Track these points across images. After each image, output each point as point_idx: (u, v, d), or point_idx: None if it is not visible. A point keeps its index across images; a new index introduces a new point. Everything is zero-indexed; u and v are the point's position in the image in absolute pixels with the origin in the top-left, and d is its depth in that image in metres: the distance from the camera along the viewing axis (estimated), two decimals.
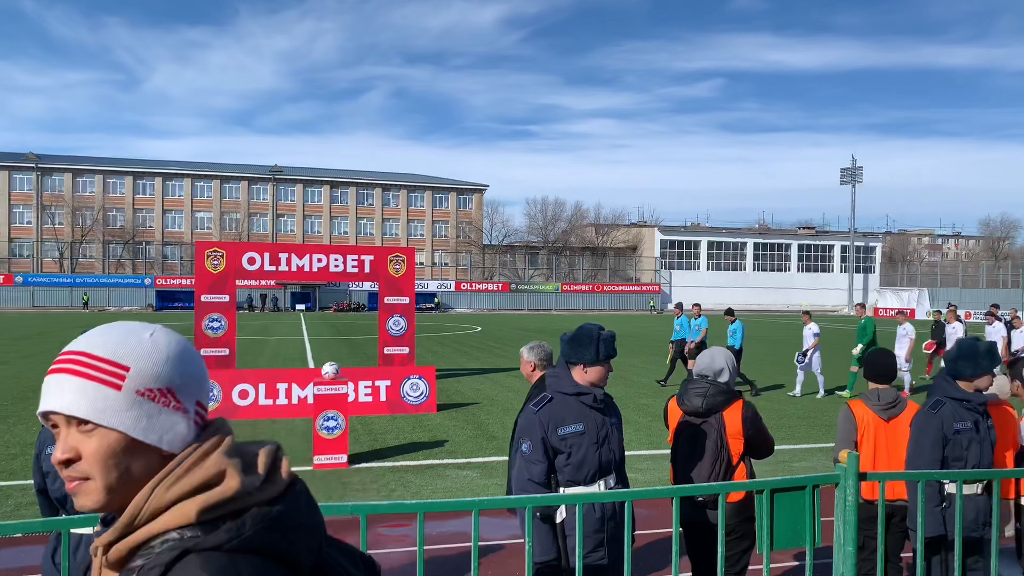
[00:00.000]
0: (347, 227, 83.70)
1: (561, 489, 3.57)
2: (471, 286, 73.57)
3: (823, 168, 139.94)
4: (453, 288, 72.59)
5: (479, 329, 40.10)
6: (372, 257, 17.15)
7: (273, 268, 16.31)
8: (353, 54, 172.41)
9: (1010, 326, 17.31)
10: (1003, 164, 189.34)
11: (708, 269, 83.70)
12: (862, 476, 3.29)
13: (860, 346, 15.82)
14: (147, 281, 66.50)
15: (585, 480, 3.58)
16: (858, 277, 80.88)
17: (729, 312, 17.15)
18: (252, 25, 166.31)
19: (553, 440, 3.57)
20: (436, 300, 68.50)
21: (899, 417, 4.40)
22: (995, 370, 4.22)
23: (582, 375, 3.64)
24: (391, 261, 17.06)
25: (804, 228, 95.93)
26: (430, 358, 22.73)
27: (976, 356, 4.09)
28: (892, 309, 70.75)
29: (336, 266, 16.80)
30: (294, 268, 16.47)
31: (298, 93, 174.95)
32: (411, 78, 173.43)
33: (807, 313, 17.15)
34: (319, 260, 16.59)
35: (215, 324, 15.39)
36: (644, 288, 78.07)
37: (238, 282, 17.97)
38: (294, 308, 66.64)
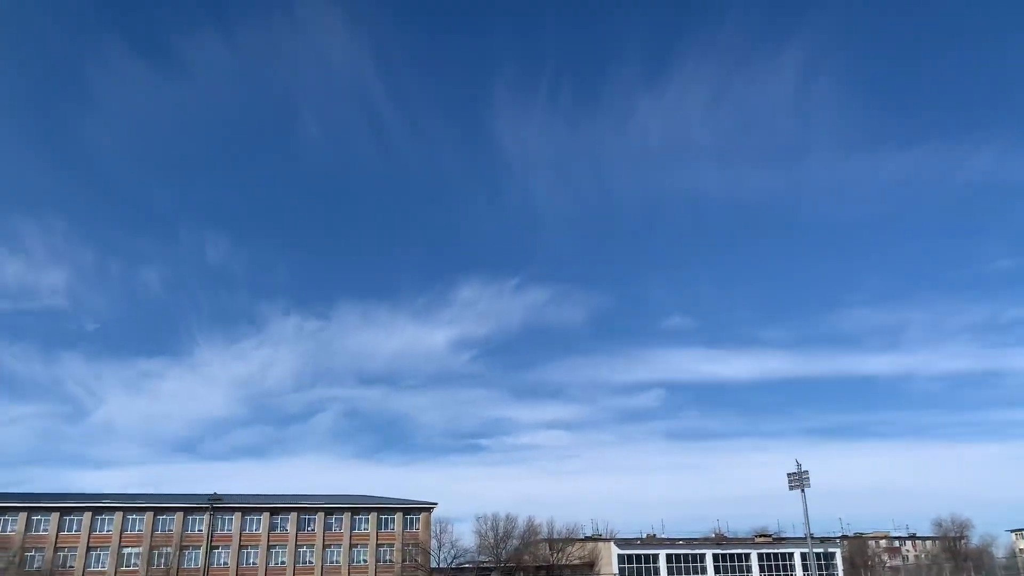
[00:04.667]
0: (285, 557, 78.77)
1: None
2: None
3: (770, 473, 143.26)
4: None
5: None
6: None
7: None
8: (307, 378, 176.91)
9: None
10: (937, 463, 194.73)
11: None
12: None
13: None
14: None
15: None
16: None
17: None
18: (208, 354, 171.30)
19: None
20: None
21: None
22: None
23: None
24: None
25: (760, 536, 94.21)
26: None
27: None
28: None
29: None
30: None
31: (248, 418, 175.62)
32: (363, 398, 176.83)
33: None
34: None
35: None
36: None
37: None
38: None
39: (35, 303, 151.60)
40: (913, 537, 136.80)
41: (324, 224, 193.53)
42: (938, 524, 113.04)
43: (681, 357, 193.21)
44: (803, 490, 77.53)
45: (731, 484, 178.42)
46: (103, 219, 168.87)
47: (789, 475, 79.34)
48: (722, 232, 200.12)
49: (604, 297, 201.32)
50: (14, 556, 69.54)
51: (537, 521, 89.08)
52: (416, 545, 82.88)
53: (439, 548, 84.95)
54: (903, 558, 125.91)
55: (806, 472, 77.97)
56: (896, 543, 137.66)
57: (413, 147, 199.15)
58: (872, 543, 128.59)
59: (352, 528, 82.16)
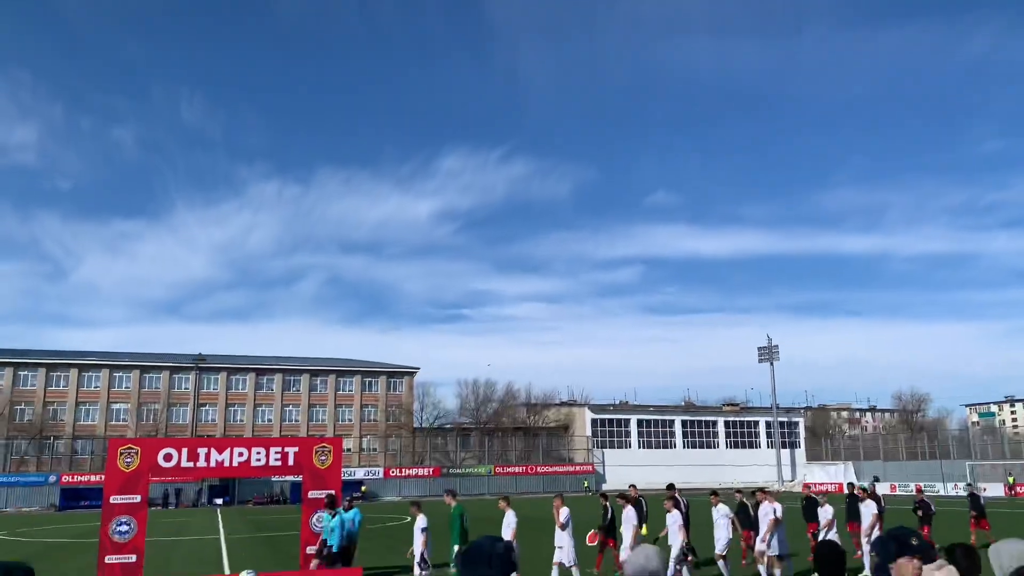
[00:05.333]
0: (272, 416, 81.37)
1: None
2: (400, 472, 71.38)
3: (742, 347, 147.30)
4: (382, 475, 70.21)
5: (408, 519, 38.50)
6: (296, 449, 16.77)
7: (191, 464, 15.71)
8: (289, 244, 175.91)
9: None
10: (904, 341, 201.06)
11: (639, 447, 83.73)
12: None
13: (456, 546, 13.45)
14: (52, 479, 62.21)
15: None
16: (784, 452, 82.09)
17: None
18: (188, 217, 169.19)
19: None
20: (363, 489, 65.84)
21: None
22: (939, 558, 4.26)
23: None
24: (316, 452, 16.70)
25: (729, 405, 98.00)
26: (356, 555, 21.62)
27: (884, 542, 4.25)
28: (815, 484, 71.40)
29: (258, 459, 16.26)
30: (213, 464, 15.91)
31: (230, 281, 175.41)
32: (346, 266, 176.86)
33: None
34: (240, 454, 16.08)
35: (123, 528, 14.51)
36: (578, 468, 77.14)
37: (153, 479, 17.10)
38: (211, 503, 62.90)
39: (5, 159, 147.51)
40: (873, 409, 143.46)
41: (303, 87, 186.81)
42: (897, 397, 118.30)
43: (663, 233, 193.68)
44: (772, 363, 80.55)
45: (703, 356, 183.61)
46: (71, 74, 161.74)
47: (759, 349, 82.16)
48: (711, 107, 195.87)
49: (589, 171, 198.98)
50: (2, 409, 71.23)
51: (516, 386, 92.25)
52: (399, 407, 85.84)
53: (422, 410, 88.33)
54: (862, 428, 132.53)
55: (776, 346, 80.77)
56: (857, 415, 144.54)
57: (396, 6, 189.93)
58: (834, 414, 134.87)
59: (337, 389, 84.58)
